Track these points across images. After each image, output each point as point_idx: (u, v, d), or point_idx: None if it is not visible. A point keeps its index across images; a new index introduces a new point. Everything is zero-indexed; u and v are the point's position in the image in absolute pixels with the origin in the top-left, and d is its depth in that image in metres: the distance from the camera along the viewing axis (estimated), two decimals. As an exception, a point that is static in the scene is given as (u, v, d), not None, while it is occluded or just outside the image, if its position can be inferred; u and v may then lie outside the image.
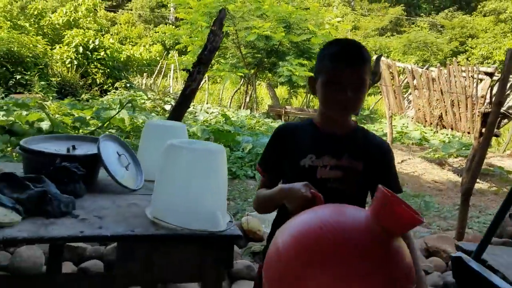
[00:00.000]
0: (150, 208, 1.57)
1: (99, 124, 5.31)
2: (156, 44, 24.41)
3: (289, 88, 15.19)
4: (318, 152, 1.34)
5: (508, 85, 6.85)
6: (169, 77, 15.95)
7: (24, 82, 9.61)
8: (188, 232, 1.45)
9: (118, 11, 32.87)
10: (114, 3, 33.86)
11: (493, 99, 5.13)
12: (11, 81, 9.72)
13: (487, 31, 26.57)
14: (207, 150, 1.54)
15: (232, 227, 1.54)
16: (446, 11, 31.51)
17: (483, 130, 5.43)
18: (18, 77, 9.77)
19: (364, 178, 1.35)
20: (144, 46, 19.75)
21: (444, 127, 6.80)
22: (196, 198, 1.50)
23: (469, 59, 23.73)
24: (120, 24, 27.86)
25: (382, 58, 6.95)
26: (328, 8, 29.49)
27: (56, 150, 1.78)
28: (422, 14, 32.85)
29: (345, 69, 1.26)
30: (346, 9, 32.32)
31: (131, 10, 33.41)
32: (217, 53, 13.89)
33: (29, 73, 9.85)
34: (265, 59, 14.04)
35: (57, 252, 2.10)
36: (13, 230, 1.29)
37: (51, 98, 8.82)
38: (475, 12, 30.03)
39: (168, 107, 8.87)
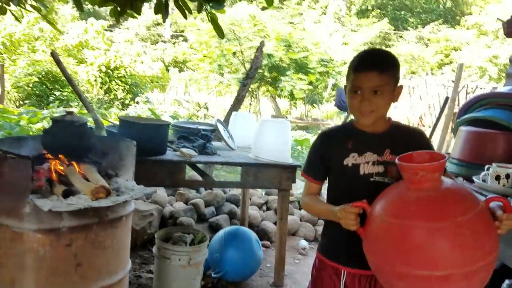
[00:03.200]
0: (251, 153, 3.00)
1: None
2: (156, 61, 25.62)
3: (289, 100, 16.67)
4: (360, 150, 1.43)
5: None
6: (177, 92, 17.43)
7: (63, 98, 11.05)
8: (274, 163, 2.87)
9: (114, 30, 34.38)
10: (111, 23, 35.37)
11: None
12: (51, 97, 11.16)
13: (470, 44, 28.34)
14: (282, 121, 2.98)
15: (293, 162, 2.97)
16: (432, 24, 33.34)
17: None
18: (57, 93, 11.22)
19: None
20: (143, 63, 20.82)
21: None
22: (276, 147, 2.93)
23: (454, 70, 25.40)
24: (119, 42, 29.09)
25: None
26: (318, 26, 31.14)
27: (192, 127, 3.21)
28: (409, 28, 34.67)
29: (358, 74, 1.36)
30: (336, 25, 34.04)
31: (127, 29, 34.87)
32: (224, 70, 15.25)
33: (66, 89, 11.30)
34: (267, 74, 15.55)
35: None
36: (195, 159, 2.71)
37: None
38: (458, 26, 31.91)
39: (201, 114, 10.42)
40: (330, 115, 17.61)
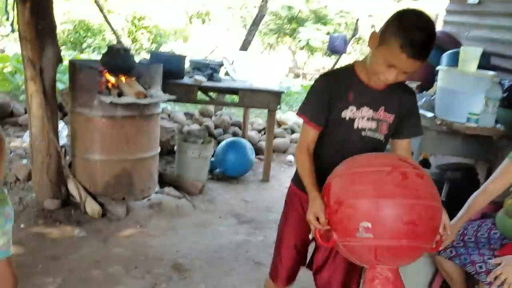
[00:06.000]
0: (248, 82, 3.96)
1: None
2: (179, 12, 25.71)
3: (307, 51, 17.27)
4: (358, 104, 1.42)
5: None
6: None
7: (95, 46, 12.11)
8: (265, 89, 3.83)
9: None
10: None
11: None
12: (84, 45, 12.24)
13: None
14: (272, 59, 3.91)
15: (279, 89, 3.91)
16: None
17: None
18: (90, 40, 12.29)
19: (392, 128, 1.47)
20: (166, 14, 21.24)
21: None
22: (267, 77, 3.87)
23: None
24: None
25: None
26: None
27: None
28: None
29: (405, 58, 1.27)
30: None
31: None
32: (245, 21, 15.82)
33: (97, 37, 12.33)
34: (286, 26, 16.13)
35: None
36: (204, 84, 3.70)
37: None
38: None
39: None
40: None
